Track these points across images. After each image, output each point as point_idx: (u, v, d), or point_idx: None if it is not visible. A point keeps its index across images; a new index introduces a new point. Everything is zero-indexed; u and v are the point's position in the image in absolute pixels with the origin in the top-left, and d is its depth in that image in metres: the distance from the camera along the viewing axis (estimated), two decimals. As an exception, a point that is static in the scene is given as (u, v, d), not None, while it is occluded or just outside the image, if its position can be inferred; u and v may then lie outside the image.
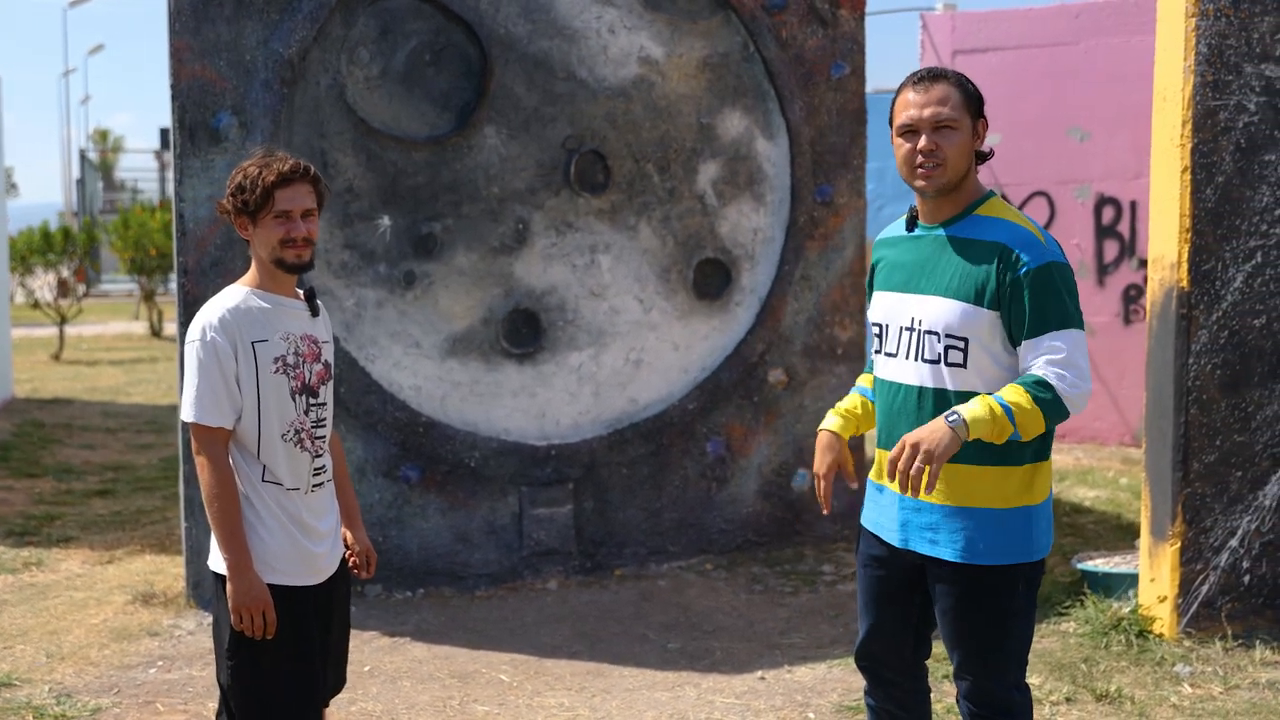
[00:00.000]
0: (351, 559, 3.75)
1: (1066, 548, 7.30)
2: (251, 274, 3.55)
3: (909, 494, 3.23)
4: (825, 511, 3.59)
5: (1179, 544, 5.62)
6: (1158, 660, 5.46)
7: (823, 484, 3.59)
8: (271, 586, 3.43)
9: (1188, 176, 5.52)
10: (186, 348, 3.46)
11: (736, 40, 7.06)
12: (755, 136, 7.13)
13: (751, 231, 7.16)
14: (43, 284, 21.16)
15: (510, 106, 6.67)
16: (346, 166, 6.41)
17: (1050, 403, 3.18)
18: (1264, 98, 5.55)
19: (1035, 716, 4.92)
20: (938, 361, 3.33)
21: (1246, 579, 5.69)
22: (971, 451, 3.27)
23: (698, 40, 6.98)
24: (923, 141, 3.31)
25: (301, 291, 3.59)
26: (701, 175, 7.03)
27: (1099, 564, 6.31)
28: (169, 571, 6.99)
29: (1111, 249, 10.52)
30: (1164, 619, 5.68)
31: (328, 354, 3.61)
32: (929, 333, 3.34)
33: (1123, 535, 7.64)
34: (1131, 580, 6.02)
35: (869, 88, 7.71)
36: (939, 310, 3.33)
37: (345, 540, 3.75)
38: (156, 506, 8.70)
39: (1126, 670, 5.39)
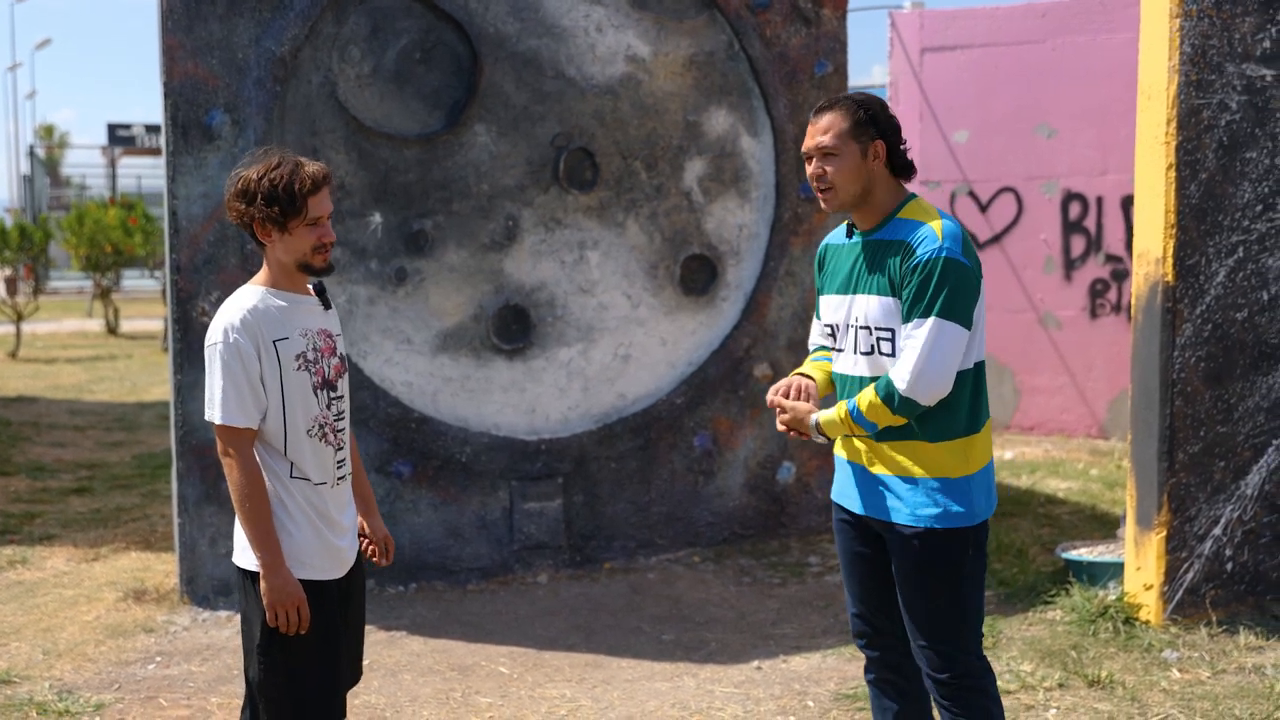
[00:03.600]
0: (370, 547, 3.79)
1: (1045, 538, 7.44)
2: (265, 274, 3.54)
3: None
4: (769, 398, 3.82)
5: (1164, 533, 5.75)
6: (1145, 646, 5.58)
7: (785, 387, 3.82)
8: (302, 582, 3.46)
9: (1172, 173, 5.64)
10: (208, 350, 3.45)
11: (722, 39, 7.14)
12: (740, 134, 7.22)
13: (737, 228, 7.24)
14: (-2, 280, 20.99)
15: (500, 104, 6.72)
16: (338, 164, 6.44)
17: (890, 400, 3.54)
18: (1245, 96, 5.69)
19: (1029, 702, 5.05)
20: (872, 352, 3.64)
21: (1230, 566, 5.83)
22: (916, 429, 3.61)
23: (684, 39, 7.05)
24: (811, 167, 3.70)
25: (312, 287, 3.61)
26: (688, 172, 7.11)
27: (1083, 553, 6.43)
28: (157, 569, 6.99)
29: (1078, 244, 10.67)
30: (1150, 606, 5.81)
31: (341, 347, 3.63)
32: (863, 328, 3.66)
33: (1098, 525, 7.78)
34: (1115, 569, 6.14)
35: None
36: (868, 307, 3.64)
37: (361, 529, 3.79)
38: (136, 504, 8.67)
39: (1115, 656, 5.51)
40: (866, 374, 3.64)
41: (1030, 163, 10.73)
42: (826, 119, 3.64)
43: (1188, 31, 5.60)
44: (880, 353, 3.61)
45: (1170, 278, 5.67)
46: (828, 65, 7.31)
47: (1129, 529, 5.95)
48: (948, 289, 3.48)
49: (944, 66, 10.93)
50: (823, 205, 3.71)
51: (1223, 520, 5.80)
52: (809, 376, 3.84)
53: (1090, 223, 10.64)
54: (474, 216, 6.71)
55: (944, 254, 3.49)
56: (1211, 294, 5.71)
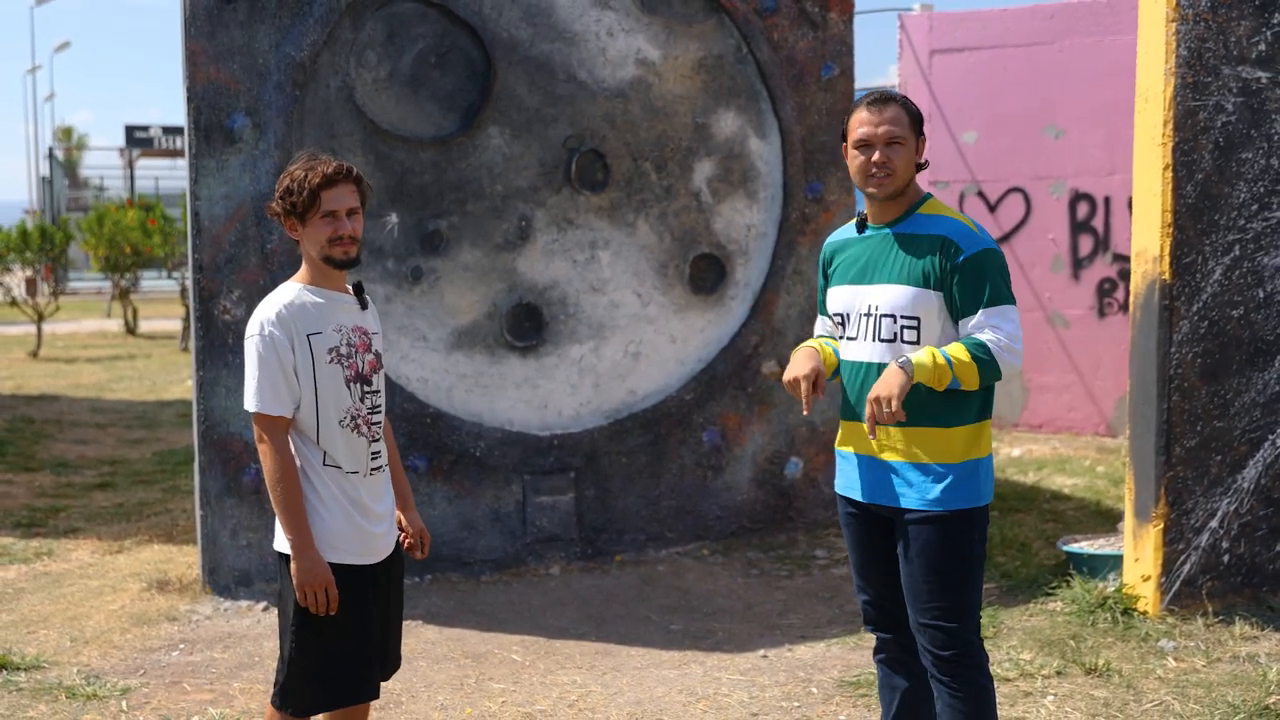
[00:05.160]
0: (406, 539, 3.96)
1: (1049, 533, 7.57)
2: (303, 271, 3.75)
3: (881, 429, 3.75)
4: (806, 412, 3.79)
5: (1162, 525, 5.88)
6: (1143, 636, 5.71)
7: (804, 384, 3.78)
8: (333, 565, 3.63)
9: (1169, 174, 5.78)
10: (246, 342, 3.66)
11: (730, 42, 7.29)
12: (748, 135, 7.37)
13: (745, 228, 7.39)
14: (19, 280, 21.22)
15: (513, 107, 6.88)
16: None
17: (986, 362, 3.66)
18: (1241, 98, 5.82)
19: (1027, 689, 5.18)
20: (894, 340, 3.77)
21: (1226, 558, 5.96)
22: (928, 414, 3.74)
23: (693, 42, 7.20)
24: (877, 155, 3.78)
25: (350, 286, 3.79)
26: (697, 173, 7.26)
27: (1083, 546, 6.57)
28: (179, 560, 7.16)
29: (1086, 244, 10.79)
30: (1148, 597, 5.94)
31: (378, 344, 3.81)
32: (885, 315, 3.78)
33: (1102, 520, 7.91)
34: (1115, 561, 6.27)
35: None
36: (892, 295, 3.77)
37: (399, 523, 3.95)
38: (157, 499, 8.86)
39: (1113, 646, 5.64)
40: (887, 359, 3.74)
41: (1038, 163, 10.85)
42: (892, 110, 3.77)
43: (1184, 35, 5.73)
44: (903, 340, 3.74)
45: (1167, 276, 5.81)
46: (834, 68, 7.45)
47: (1127, 522, 6.08)
48: (1004, 276, 3.73)
49: (953, 68, 11.06)
50: (873, 190, 3.79)
51: (1219, 513, 5.93)
52: (811, 346, 3.94)
53: (1098, 222, 10.77)
54: (488, 217, 6.88)
55: (991, 245, 3.73)
56: (1208, 291, 5.84)
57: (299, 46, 6.41)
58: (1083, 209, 10.79)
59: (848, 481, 3.96)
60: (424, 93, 6.77)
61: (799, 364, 3.83)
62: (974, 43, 11.01)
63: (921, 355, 3.63)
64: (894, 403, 3.54)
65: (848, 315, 3.87)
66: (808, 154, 7.41)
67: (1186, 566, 5.91)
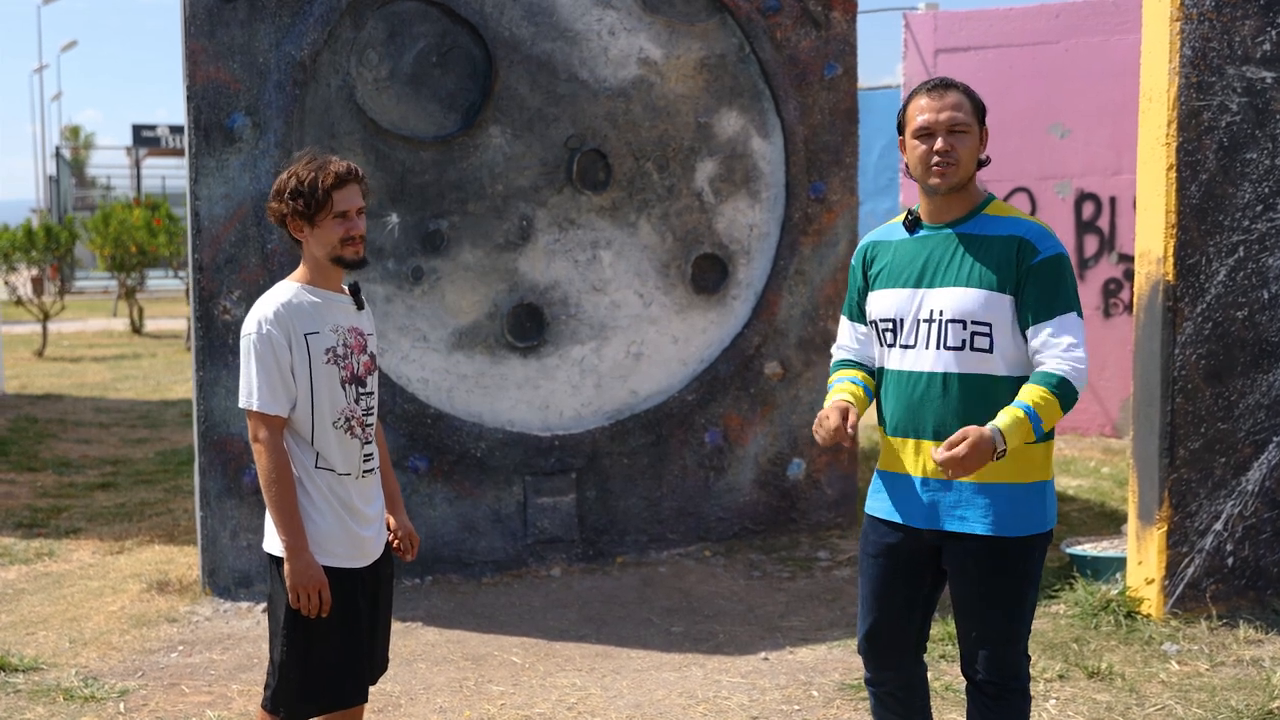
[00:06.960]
0: (395, 541, 3.93)
1: (1053, 535, 7.52)
2: (301, 271, 3.72)
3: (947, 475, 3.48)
4: (849, 444, 3.57)
5: (1165, 528, 5.85)
6: (1146, 639, 5.68)
7: (837, 414, 3.58)
8: (324, 568, 3.60)
9: (1173, 174, 5.74)
10: (243, 340, 3.64)
11: (733, 42, 7.26)
12: (751, 135, 7.34)
13: (747, 228, 7.36)
14: (25, 279, 21.24)
15: (514, 107, 6.85)
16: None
17: (1065, 395, 3.43)
18: (1245, 98, 5.78)
19: (1030, 693, 5.15)
20: (962, 347, 3.53)
21: (1230, 561, 5.92)
22: None
23: (695, 42, 7.17)
24: (939, 143, 3.54)
25: (346, 287, 3.77)
26: (699, 173, 7.23)
27: (1087, 548, 6.54)
28: (180, 561, 7.15)
29: (1091, 244, 10.76)
30: (1151, 600, 5.91)
31: (372, 345, 3.79)
32: (952, 321, 3.53)
33: (1107, 522, 7.88)
34: (1119, 564, 6.24)
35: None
36: (961, 300, 3.53)
37: (388, 524, 3.93)
38: (159, 499, 8.84)
39: (1116, 649, 5.61)
40: (954, 369, 3.54)
41: (1044, 163, 10.82)
42: (954, 96, 3.56)
43: (1188, 35, 5.69)
44: (973, 348, 3.51)
45: (1171, 277, 5.77)
46: (837, 68, 7.42)
47: (1131, 524, 6.05)
48: (1074, 284, 3.53)
49: (958, 67, 11.01)
50: (935, 181, 3.57)
51: (1223, 516, 5.90)
52: (848, 402, 3.69)
53: (1103, 222, 10.73)
54: (489, 217, 6.85)
55: (1062, 250, 3.53)
56: (1212, 293, 5.81)
57: (299, 45, 6.39)
58: (1088, 209, 10.75)
59: (891, 505, 3.70)
60: (425, 92, 6.75)
61: (829, 416, 3.61)
62: (979, 42, 10.98)
63: (1006, 421, 3.36)
64: (963, 475, 3.34)
65: (900, 321, 3.63)
66: (810, 154, 7.38)
67: (1190, 569, 5.88)
